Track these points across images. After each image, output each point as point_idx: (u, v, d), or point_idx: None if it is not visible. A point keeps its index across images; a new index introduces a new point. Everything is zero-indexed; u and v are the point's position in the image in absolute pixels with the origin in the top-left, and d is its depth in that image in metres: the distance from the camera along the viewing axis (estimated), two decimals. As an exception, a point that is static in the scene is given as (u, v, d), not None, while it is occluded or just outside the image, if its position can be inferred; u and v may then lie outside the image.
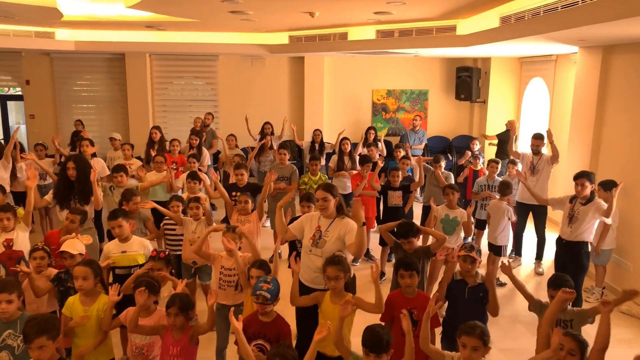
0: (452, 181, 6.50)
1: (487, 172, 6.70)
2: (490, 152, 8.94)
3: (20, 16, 6.77)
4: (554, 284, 3.33)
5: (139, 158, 7.76)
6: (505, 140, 8.29)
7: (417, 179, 6.36)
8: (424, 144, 9.34)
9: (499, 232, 5.76)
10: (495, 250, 5.80)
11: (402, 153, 7.75)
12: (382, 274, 6.12)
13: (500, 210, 5.76)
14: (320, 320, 3.43)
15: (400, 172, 6.12)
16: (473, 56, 9.85)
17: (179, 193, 5.98)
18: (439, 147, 10.20)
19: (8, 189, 5.83)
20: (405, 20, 6.83)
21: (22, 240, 4.28)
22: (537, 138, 6.31)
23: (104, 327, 3.34)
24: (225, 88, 10.50)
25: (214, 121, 10.19)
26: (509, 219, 5.76)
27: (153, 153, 7.62)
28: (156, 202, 6.18)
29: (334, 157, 7.50)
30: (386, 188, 6.12)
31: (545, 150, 6.53)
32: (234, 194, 5.82)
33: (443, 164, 6.57)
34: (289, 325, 3.21)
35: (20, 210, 4.97)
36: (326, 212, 3.84)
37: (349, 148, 7.40)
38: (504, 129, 8.51)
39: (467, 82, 9.74)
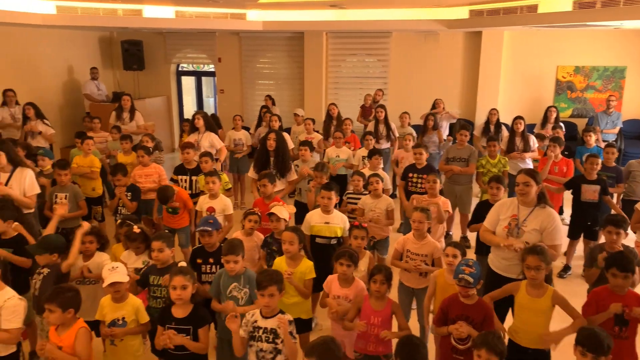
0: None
1: None
2: None
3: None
4: None
5: (317, 132, 8.22)
6: None
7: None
8: (618, 128, 8.34)
9: None
10: None
11: (594, 137, 7.03)
12: (568, 267, 5.70)
13: None
14: (515, 311, 3.32)
15: (600, 161, 5.44)
16: (690, 27, 8.43)
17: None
18: (635, 132, 9.02)
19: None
20: (612, -12, 6.08)
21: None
22: None
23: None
24: (396, 65, 10.48)
25: (383, 98, 10.31)
26: None
27: (332, 128, 8.01)
28: (339, 175, 6.55)
29: (505, 138, 7.10)
30: (579, 180, 5.52)
31: None
32: (410, 175, 5.86)
33: None
34: (492, 309, 3.16)
35: (225, 176, 5.62)
36: (526, 198, 3.66)
37: (521, 128, 6.93)
38: None
39: (680, 58, 8.39)
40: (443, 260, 3.65)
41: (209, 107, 13.36)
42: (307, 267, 3.70)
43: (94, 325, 3.29)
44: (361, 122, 9.18)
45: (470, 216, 5.37)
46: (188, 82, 12.84)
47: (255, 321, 3.02)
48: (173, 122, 11.77)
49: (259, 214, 4.36)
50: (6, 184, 4.46)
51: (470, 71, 10.07)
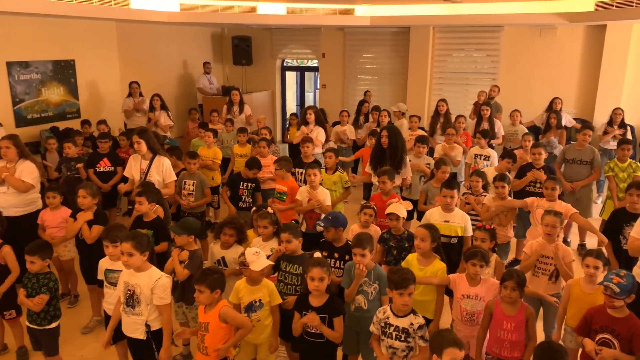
0: None
1: None
2: None
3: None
4: None
5: (422, 129, 8.10)
6: None
7: None
8: None
9: None
10: None
11: None
12: None
13: None
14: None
15: None
16: None
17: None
18: None
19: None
20: None
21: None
22: None
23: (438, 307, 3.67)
24: (506, 60, 10.00)
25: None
26: None
27: (439, 125, 7.86)
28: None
29: None
30: None
31: None
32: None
33: None
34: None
35: (345, 175, 5.70)
36: None
37: None
38: None
39: None
40: (583, 270, 3.44)
41: (309, 101, 13.62)
42: (438, 269, 3.65)
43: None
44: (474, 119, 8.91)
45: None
46: (290, 77, 13.17)
47: (387, 317, 3.04)
48: (276, 116, 12.13)
49: (375, 207, 4.37)
50: (147, 172, 4.83)
51: (590, 68, 9.38)
